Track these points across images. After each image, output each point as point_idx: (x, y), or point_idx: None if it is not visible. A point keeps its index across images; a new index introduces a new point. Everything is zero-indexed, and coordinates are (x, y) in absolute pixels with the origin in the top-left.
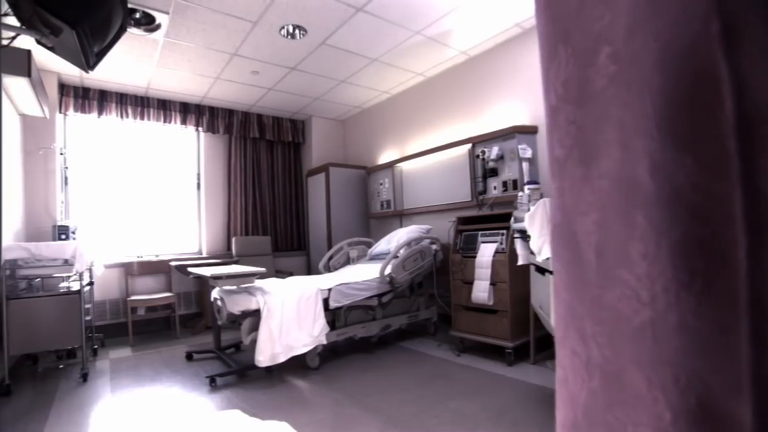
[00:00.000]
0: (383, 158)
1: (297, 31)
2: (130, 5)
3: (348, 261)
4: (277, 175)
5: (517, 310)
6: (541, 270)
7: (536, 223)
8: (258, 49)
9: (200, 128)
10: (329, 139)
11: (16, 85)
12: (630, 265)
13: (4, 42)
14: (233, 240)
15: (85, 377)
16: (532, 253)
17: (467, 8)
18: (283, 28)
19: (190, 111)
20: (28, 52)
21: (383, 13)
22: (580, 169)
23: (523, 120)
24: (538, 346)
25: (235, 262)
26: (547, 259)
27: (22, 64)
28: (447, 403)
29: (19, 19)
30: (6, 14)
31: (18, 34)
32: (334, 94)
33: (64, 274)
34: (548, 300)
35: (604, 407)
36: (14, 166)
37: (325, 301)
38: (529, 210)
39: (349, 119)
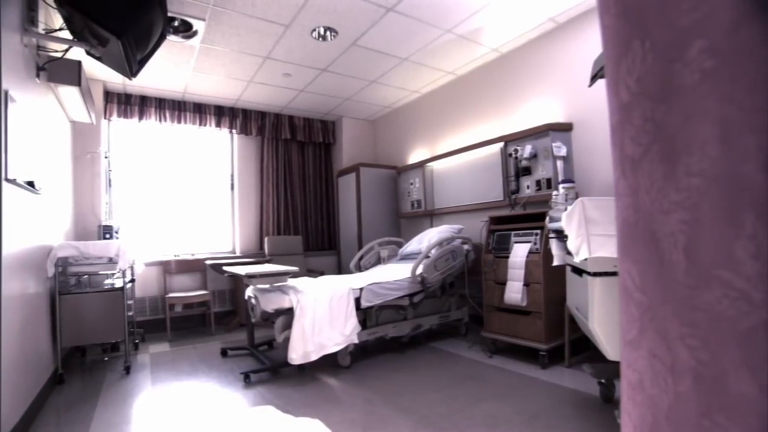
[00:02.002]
0: (413, 158)
1: (328, 33)
2: (169, 14)
3: (379, 261)
4: (308, 176)
5: (551, 312)
6: (578, 271)
7: (574, 223)
8: (290, 51)
9: (234, 130)
10: (359, 139)
11: (68, 94)
12: (734, 266)
13: (58, 54)
14: (266, 239)
15: (128, 370)
16: (568, 253)
17: (498, 4)
18: (314, 30)
19: (224, 114)
20: (79, 62)
21: (414, 12)
22: (662, 167)
23: (558, 117)
24: (573, 348)
25: (268, 262)
26: (585, 259)
27: (73, 74)
28: (479, 404)
29: (72, 32)
30: (60, 29)
31: (70, 47)
32: (365, 94)
33: (109, 272)
34: (586, 301)
35: (699, 412)
36: (65, 170)
37: (357, 301)
38: (565, 209)
39: (380, 119)
